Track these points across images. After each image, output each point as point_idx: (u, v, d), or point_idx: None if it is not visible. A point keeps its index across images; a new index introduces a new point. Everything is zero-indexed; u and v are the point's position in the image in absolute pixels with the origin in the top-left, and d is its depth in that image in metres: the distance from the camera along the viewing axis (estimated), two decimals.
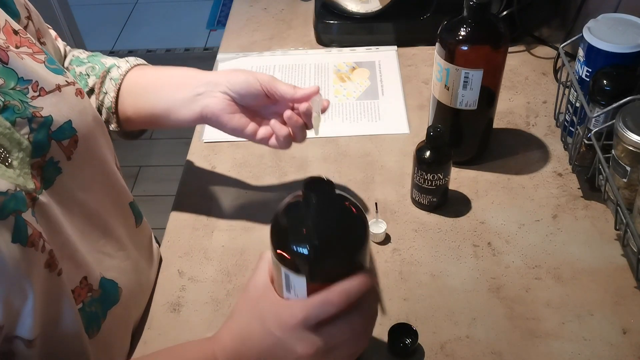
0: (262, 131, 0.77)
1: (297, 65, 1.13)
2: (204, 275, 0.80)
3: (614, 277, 0.76)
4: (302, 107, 0.75)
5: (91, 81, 0.80)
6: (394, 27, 1.15)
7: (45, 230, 0.59)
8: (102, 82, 0.80)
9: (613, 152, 0.76)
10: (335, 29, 1.17)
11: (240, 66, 1.14)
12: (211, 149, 0.98)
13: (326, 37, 1.18)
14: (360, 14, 1.14)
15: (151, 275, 0.81)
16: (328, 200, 0.54)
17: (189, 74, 0.79)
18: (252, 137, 0.77)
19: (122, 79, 0.79)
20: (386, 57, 1.15)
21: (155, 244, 0.84)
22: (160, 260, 0.84)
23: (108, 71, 0.81)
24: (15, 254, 0.53)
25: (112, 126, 0.81)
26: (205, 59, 2.89)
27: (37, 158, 0.60)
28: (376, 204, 0.83)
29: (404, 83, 1.08)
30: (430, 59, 1.10)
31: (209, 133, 1.01)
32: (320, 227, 0.55)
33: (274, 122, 0.76)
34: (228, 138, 0.99)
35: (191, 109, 0.76)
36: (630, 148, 0.72)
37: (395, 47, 1.16)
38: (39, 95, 0.61)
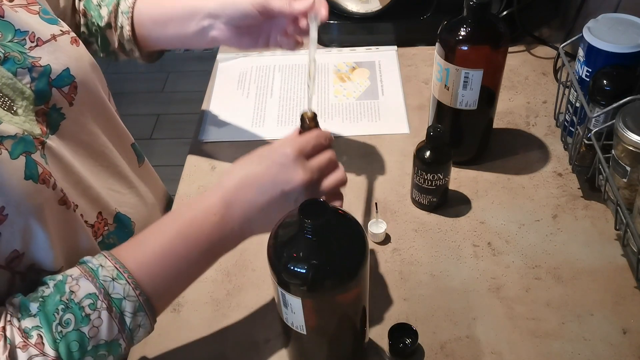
0: (271, 44, 0.84)
1: (297, 65, 1.13)
2: (204, 275, 0.79)
3: (614, 277, 0.76)
4: (302, 24, 0.79)
5: (104, 12, 0.85)
6: (394, 27, 1.15)
7: (57, 170, 0.65)
8: (116, 17, 0.85)
9: (613, 152, 0.76)
10: (335, 29, 1.17)
11: (241, 66, 1.14)
12: (211, 149, 0.98)
13: (326, 37, 1.18)
14: (360, 14, 1.14)
15: (161, 210, 0.90)
16: (323, 228, 0.54)
17: (189, 3, 0.82)
18: (262, 49, 0.87)
19: (132, 11, 0.84)
20: (386, 57, 1.15)
21: (161, 183, 0.94)
22: (170, 200, 0.94)
23: (118, 4, 0.85)
24: (28, 189, 0.59)
25: (136, 54, 0.88)
26: (205, 59, 2.89)
27: (40, 106, 0.65)
28: (376, 204, 0.83)
29: (404, 83, 1.08)
30: (430, 59, 1.10)
31: (209, 133, 1.01)
32: (314, 257, 0.56)
33: (280, 38, 0.83)
34: (228, 138, 0.99)
35: (201, 40, 0.84)
36: (630, 148, 0.72)
37: (395, 47, 1.16)
38: (37, 46, 0.66)
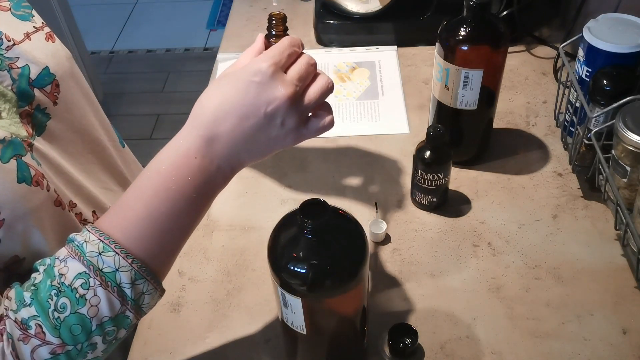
0: None
1: None
2: (204, 275, 0.80)
3: (614, 277, 0.76)
4: None
5: None
6: (394, 27, 1.15)
7: (47, 171, 0.63)
8: None
9: (613, 152, 0.76)
10: (335, 29, 1.17)
11: None
12: None
13: (326, 37, 1.18)
14: (360, 14, 1.14)
15: None
16: (323, 228, 0.54)
17: None
18: None
19: None
20: (386, 57, 1.15)
21: None
22: None
23: None
24: (22, 192, 0.57)
25: None
26: (205, 59, 2.90)
27: (24, 107, 0.63)
28: (376, 203, 0.83)
29: (404, 83, 1.08)
30: (430, 59, 1.10)
31: None
32: (314, 257, 0.56)
33: None
34: None
35: None
36: (630, 148, 0.72)
37: (395, 47, 1.16)
38: (13, 45, 0.64)
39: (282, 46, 0.57)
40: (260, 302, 0.76)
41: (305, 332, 0.60)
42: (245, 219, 0.86)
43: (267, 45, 0.61)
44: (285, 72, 0.57)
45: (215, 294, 0.77)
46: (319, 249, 0.55)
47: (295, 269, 0.55)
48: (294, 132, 0.57)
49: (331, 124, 0.60)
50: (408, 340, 0.69)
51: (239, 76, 0.56)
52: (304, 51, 0.60)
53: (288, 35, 0.60)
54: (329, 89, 0.59)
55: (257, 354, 0.71)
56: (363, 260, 0.57)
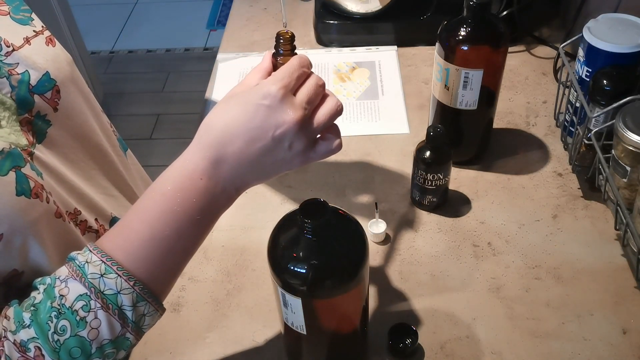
0: None
1: None
2: (204, 275, 0.80)
3: (614, 277, 0.76)
4: None
5: None
6: (394, 27, 1.15)
7: (49, 179, 0.62)
8: None
9: (613, 152, 0.76)
10: (335, 29, 1.17)
11: (241, 66, 1.14)
12: None
13: (326, 37, 1.18)
14: (360, 14, 1.14)
15: None
16: (323, 228, 0.54)
17: None
18: None
19: None
20: (386, 57, 1.15)
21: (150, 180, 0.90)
22: None
23: None
24: (21, 206, 0.56)
25: None
26: (205, 59, 2.90)
27: (23, 115, 0.62)
28: (376, 203, 0.82)
29: (404, 83, 1.08)
30: (430, 59, 1.10)
31: None
32: (314, 257, 0.56)
33: None
34: None
35: None
36: (630, 148, 0.72)
37: (395, 47, 1.16)
38: (13, 50, 0.62)
39: (291, 67, 0.56)
40: (260, 302, 0.76)
41: (305, 332, 0.60)
42: (245, 218, 0.86)
43: (275, 64, 0.60)
44: (295, 93, 0.56)
45: (215, 294, 0.77)
46: (319, 249, 0.55)
47: (295, 269, 0.55)
48: (301, 155, 0.57)
49: (338, 147, 0.59)
50: (408, 340, 0.69)
51: (247, 98, 0.55)
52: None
53: (296, 54, 0.59)
54: (338, 112, 0.58)
55: (257, 354, 0.71)
56: (363, 260, 0.57)
